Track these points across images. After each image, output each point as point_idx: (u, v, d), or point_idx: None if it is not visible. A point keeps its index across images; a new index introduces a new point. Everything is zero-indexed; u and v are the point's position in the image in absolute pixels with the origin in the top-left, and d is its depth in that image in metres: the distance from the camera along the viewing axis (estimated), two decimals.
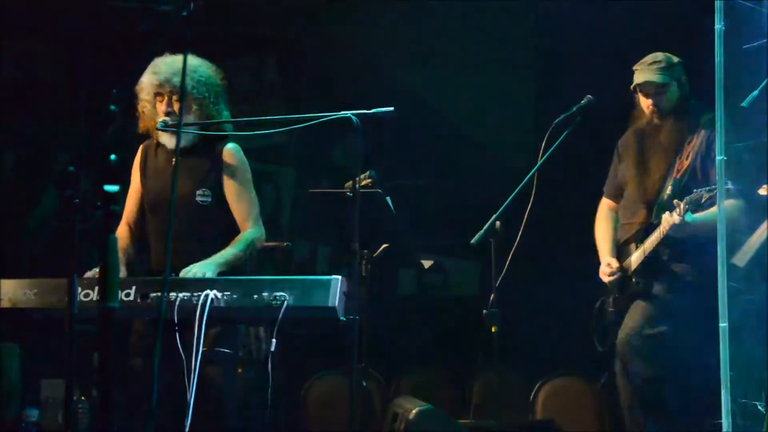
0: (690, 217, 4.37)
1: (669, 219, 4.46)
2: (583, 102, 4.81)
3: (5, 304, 3.81)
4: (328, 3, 6.95)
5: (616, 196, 5.02)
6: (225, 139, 4.34)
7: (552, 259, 6.15)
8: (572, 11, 6.17)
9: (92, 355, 5.17)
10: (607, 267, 4.86)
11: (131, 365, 4.15)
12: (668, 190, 4.67)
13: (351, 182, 4.11)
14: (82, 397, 4.98)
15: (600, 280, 4.92)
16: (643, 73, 4.77)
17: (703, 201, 4.37)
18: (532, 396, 6.06)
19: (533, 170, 4.71)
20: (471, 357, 6.17)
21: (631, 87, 4.83)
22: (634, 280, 4.79)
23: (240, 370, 4.38)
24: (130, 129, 2.82)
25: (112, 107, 2.21)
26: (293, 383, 6.11)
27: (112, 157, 2.14)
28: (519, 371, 6.14)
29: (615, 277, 4.83)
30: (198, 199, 4.25)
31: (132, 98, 4.23)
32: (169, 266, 3.40)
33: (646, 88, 4.78)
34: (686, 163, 4.69)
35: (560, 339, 5.93)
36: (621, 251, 4.90)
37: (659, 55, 4.79)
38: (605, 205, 5.10)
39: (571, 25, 6.22)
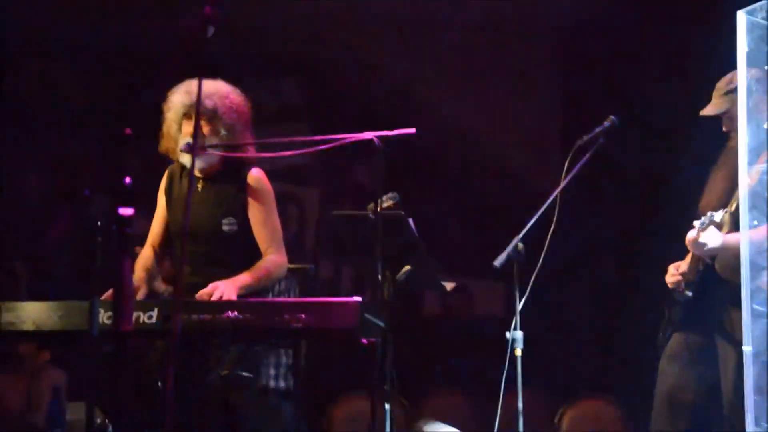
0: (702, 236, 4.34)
1: (688, 236, 4.44)
2: (606, 124, 4.78)
3: (29, 326, 3.82)
4: (351, 26, 6.98)
5: None
6: (249, 165, 4.35)
7: (576, 281, 6.13)
8: (599, 28, 6.16)
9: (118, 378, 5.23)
10: (674, 268, 4.72)
11: (151, 384, 4.16)
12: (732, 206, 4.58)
13: (373, 204, 4.11)
14: (106, 420, 4.99)
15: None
16: (712, 101, 4.71)
17: (718, 220, 4.33)
18: (557, 419, 6.03)
19: (555, 192, 4.68)
20: (495, 379, 6.14)
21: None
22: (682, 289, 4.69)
23: (262, 396, 4.36)
24: (147, 151, 2.84)
25: (128, 130, 2.23)
26: (318, 405, 6.11)
27: (127, 180, 2.16)
28: (544, 394, 6.11)
29: (675, 280, 4.69)
30: (224, 228, 4.26)
31: (149, 120, 4.25)
32: (181, 287, 3.41)
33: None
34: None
35: (585, 361, 5.90)
36: None
37: (721, 80, 4.71)
38: None
39: (598, 45, 6.22)
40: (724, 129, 4.70)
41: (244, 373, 4.09)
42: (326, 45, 7.27)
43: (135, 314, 3.74)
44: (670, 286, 4.75)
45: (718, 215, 4.38)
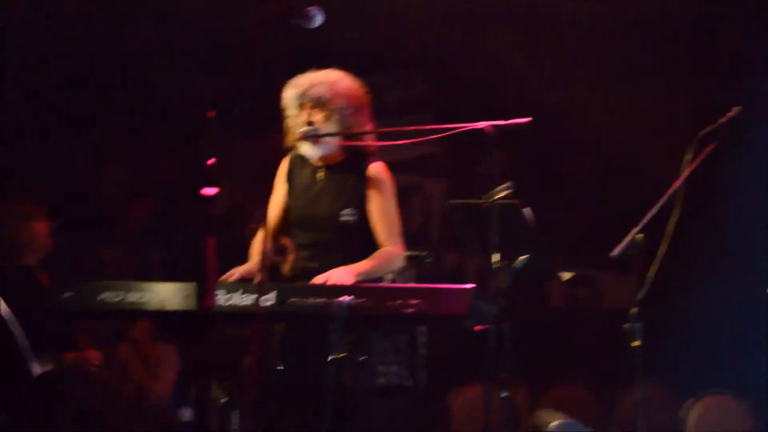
0: None
1: None
2: (731, 113, 4.68)
3: (152, 306, 3.96)
4: (476, 19, 6.99)
5: None
6: (371, 157, 4.41)
7: (700, 272, 6.00)
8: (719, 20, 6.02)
9: (241, 358, 5.39)
10: None
11: (272, 368, 4.28)
12: None
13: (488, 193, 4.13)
14: (227, 399, 5.15)
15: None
16: None
17: None
18: (682, 412, 5.92)
19: (677, 183, 4.60)
20: (617, 372, 6.07)
21: None
22: None
23: (377, 381, 4.42)
24: (229, 136, 2.93)
25: (211, 112, 2.32)
26: (438, 393, 6.16)
27: (210, 161, 2.25)
28: (669, 388, 6.01)
29: None
30: (343, 218, 4.34)
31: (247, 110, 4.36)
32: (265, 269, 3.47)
33: None
34: None
35: (713, 355, 5.77)
36: None
37: None
38: None
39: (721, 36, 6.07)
40: None
41: (360, 357, 4.17)
42: (452, 38, 7.30)
43: (253, 296, 3.87)
44: None
45: None
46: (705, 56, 6.55)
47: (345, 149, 4.40)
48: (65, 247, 5.99)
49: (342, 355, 4.04)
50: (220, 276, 4.06)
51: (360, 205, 4.35)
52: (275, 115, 4.43)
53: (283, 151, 4.51)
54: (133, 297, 3.93)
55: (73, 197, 7.20)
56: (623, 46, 6.95)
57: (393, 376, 4.35)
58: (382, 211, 4.35)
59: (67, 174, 7.28)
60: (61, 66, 7.23)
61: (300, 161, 4.48)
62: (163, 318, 4.24)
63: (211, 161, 2.25)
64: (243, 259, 4.30)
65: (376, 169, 4.39)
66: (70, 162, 7.31)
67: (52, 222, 5.59)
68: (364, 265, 4.22)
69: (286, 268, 4.53)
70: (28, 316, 4.75)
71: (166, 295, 3.92)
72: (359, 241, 4.34)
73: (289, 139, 4.44)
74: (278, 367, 4.28)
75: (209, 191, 2.25)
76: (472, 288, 3.82)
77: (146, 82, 7.34)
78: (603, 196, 7.27)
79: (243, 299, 3.87)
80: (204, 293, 2.23)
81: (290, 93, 4.37)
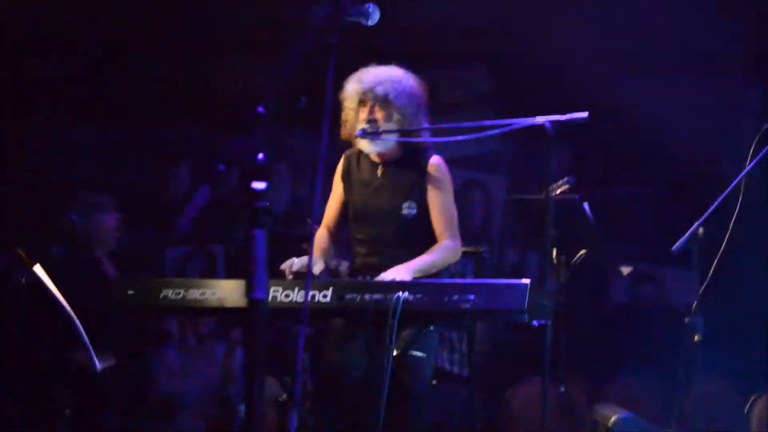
0: None
1: None
2: None
3: (213, 303, 4.02)
4: (537, 14, 6.96)
5: None
6: (430, 152, 4.44)
7: (763, 265, 5.91)
8: None
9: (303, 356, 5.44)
10: None
11: (329, 361, 4.32)
12: None
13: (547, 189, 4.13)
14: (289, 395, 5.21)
15: None
16: None
17: None
18: (746, 409, 5.83)
19: (740, 176, 4.54)
20: (679, 367, 6.02)
21: None
22: None
23: (435, 377, 4.44)
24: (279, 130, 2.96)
25: (260, 109, 2.36)
26: (496, 388, 6.16)
27: (260, 155, 2.29)
28: (733, 383, 5.93)
29: None
30: (404, 212, 4.38)
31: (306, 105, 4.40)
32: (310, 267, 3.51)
33: None
34: None
35: None
36: None
37: None
38: None
39: None
40: None
41: (417, 353, 4.19)
42: (515, 34, 7.28)
43: (311, 293, 3.92)
44: None
45: None
46: None
47: (403, 145, 4.43)
48: (133, 242, 6.12)
49: (398, 352, 4.09)
50: (275, 271, 4.12)
51: (420, 200, 4.38)
52: (334, 110, 4.47)
53: (342, 146, 4.55)
54: (193, 294, 4.01)
55: (142, 195, 7.35)
56: (691, 32, 6.87)
57: (449, 364, 4.38)
58: (440, 206, 4.38)
59: (137, 170, 7.44)
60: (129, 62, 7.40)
61: (357, 158, 4.51)
62: (223, 315, 4.30)
63: (260, 155, 2.30)
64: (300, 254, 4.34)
65: (435, 163, 4.41)
66: (141, 159, 7.46)
67: (121, 216, 5.70)
68: (421, 261, 4.25)
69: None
70: (91, 310, 4.85)
71: (226, 292, 4.00)
72: (419, 236, 4.37)
73: (345, 132, 4.47)
74: (336, 363, 4.32)
75: (258, 185, 2.29)
76: (528, 283, 3.82)
77: (207, 78, 7.48)
78: (668, 190, 7.20)
79: (300, 296, 3.92)
80: (251, 287, 2.27)
81: (353, 87, 4.40)
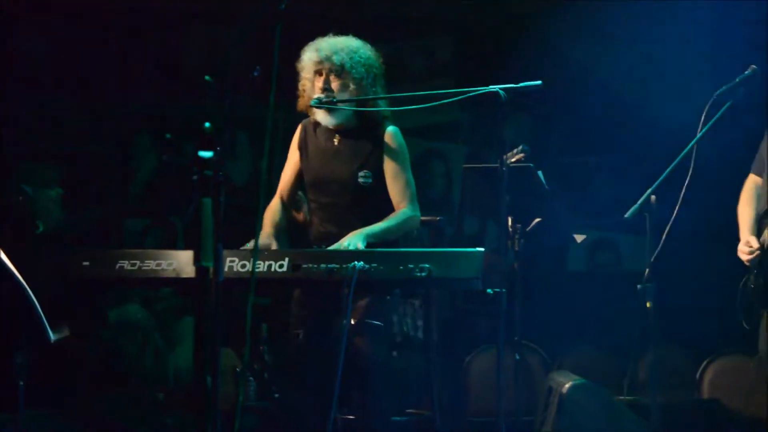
0: None
1: None
2: (746, 72, 4.64)
3: (170, 274, 4.03)
4: None
5: (762, 172, 4.83)
6: (385, 122, 4.46)
7: (713, 234, 5.98)
8: None
9: (260, 326, 5.47)
10: (746, 246, 4.67)
11: (294, 335, 4.35)
12: None
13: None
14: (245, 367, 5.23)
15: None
16: None
17: None
18: (698, 374, 5.93)
19: (691, 144, 4.60)
20: (632, 334, 6.11)
21: None
22: None
23: (393, 346, 4.48)
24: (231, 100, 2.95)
25: (207, 78, 2.36)
26: (457, 356, 6.21)
27: (207, 124, 2.30)
28: (684, 349, 6.02)
29: (753, 256, 4.64)
30: (360, 180, 4.40)
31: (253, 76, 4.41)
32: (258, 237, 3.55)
33: None
34: None
35: (727, 315, 5.76)
36: (760, 225, 4.72)
37: None
38: (751, 181, 4.87)
39: None
40: None
41: (374, 322, 4.23)
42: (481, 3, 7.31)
43: (267, 263, 3.94)
44: (749, 262, 4.64)
45: None
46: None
47: (359, 116, 4.44)
48: (91, 214, 6.08)
49: (355, 321, 4.13)
50: (227, 239, 4.13)
51: (376, 169, 4.40)
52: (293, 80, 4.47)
53: (298, 116, 4.56)
54: (149, 265, 4.01)
55: (102, 166, 7.31)
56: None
57: (414, 330, 4.41)
58: (396, 175, 4.40)
59: (98, 142, 7.39)
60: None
61: (314, 127, 4.52)
62: (180, 285, 4.30)
63: (206, 124, 2.30)
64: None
65: (391, 133, 4.43)
66: (101, 129, 7.42)
67: (66, 192, 5.65)
68: (376, 227, 4.27)
69: (300, 218, 4.58)
70: (43, 284, 4.82)
71: (182, 262, 3.99)
72: (375, 205, 4.40)
73: (302, 103, 4.48)
74: (297, 333, 4.35)
75: (205, 153, 2.30)
76: (483, 251, 3.86)
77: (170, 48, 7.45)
78: (625, 158, 7.26)
79: (257, 267, 3.93)
80: (199, 256, 2.28)
81: (309, 57, 4.40)
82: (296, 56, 4.44)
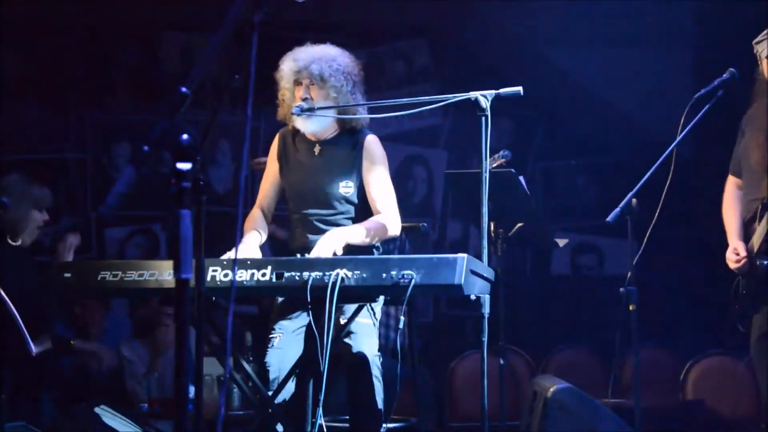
0: None
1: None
2: (725, 76, 4.66)
3: (152, 284, 4.01)
4: None
5: (739, 173, 4.83)
6: (365, 130, 4.46)
7: (696, 236, 6.02)
8: None
9: (245, 334, 5.46)
10: (733, 253, 4.64)
11: (271, 339, 4.34)
12: None
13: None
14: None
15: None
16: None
17: None
18: (682, 376, 5.95)
19: (671, 147, 4.62)
20: (615, 337, 6.12)
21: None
22: (758, 261, 4.56)
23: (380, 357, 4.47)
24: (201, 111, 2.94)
25: (184, 89, 2.35)
26: (442, 362, 6.21)
27: (184, 136, 2.29)
28: (668, 350, 6.04)
29: (741, 264, 4.61)
30: (342, 190, 4.39)
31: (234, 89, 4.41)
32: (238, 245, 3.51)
33: None
34: None
35: (711, 317, 5.79)
36: (747, 230, 4.69)
37: None
38: (731, 183, 4.85)
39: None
40: None
41: (362, 320, 4.21)
42: (458, 8, 7.31)
43: (249, 272, 3.92)
44: (737, 270, 4.64)
45: None
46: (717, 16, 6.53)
47: (339, 124, 4.44)
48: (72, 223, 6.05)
49: (342, 324, 4.12)
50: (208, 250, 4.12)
51: (357, 178, 4.39)
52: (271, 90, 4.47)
53: (278, 125, 4.55)
54: (131, 276, 3.99)
55: (81, 175, 7.29)
56: (624, 5, 6.95)
57: (395, 336, 4.40)
58: (377, 183, 4.40)
59: (78, 150, 7.37)
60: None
61: (293, 137, 4.51)
62: (162, 296, 4.28)
63: (184, 136, 2.29)
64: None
65: (371, 140, 4.43)
66: (81, 138, 7.40)
67: (49, 215, 5.62)
68: (355, 227, 4.27)
69: (279, 235, 4.56)
70: (25, 295, 4.80)
71: (164, 272, 3.97)
72: (357, 215, 4.39)
73: (282, 112, 4.48)
74: (277, 340, 4.34)
75: (183, 166, 2.29)
76: (465, 257, 3.85)
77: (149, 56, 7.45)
78: (608, 162, 7.29)
79: (240, 276, 3.92)
80: (178, 267, 2.28)
81: (288, 66, 4.40)
82: (275, 65, 4.44)
